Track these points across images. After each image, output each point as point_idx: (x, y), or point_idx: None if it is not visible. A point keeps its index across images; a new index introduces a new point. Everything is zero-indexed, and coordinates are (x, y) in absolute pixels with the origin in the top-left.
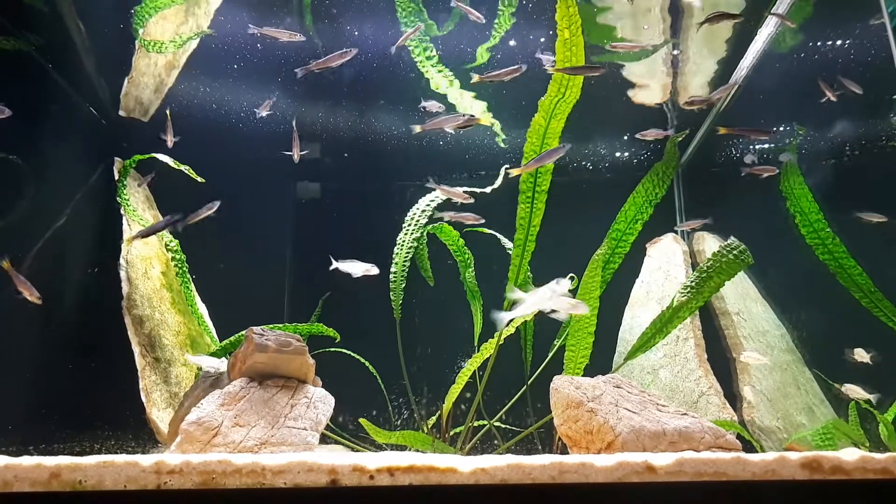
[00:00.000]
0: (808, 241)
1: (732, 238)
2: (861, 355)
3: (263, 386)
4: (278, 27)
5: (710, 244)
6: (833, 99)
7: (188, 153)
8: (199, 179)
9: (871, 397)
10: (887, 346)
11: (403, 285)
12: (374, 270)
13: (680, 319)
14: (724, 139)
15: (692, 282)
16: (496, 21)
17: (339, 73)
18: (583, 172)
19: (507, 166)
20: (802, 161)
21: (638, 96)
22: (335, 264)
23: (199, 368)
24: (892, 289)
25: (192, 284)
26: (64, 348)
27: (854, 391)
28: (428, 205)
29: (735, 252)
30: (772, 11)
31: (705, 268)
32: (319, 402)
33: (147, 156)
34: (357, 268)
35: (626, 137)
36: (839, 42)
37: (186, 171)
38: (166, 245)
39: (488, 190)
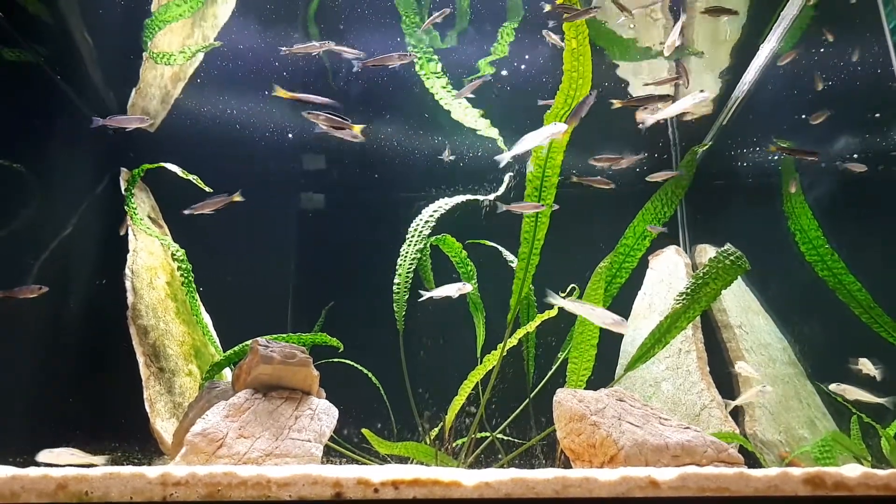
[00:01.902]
0: (807, 258)
1: (728, 245)
2: (866, 366)
3: (268, 397)
4: (284, 41)
5: (711, 256)
6: (816, 121)
7: (193, 164)
8: (207, 189)
9: (884, 401)
10: (889, 360)
11: (407, 297)
12: (467, 288)
13: (678, 329)
14: (727, 152)
15: (688, 288)
16: (499, 34)
17: (346, 86)
18: (586, 186)
19: (511, 173)
20: (803, 176)
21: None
22: (426, 295)
23: (203, 379)
24: (893, 304)
25: (197, 294)
26: (69, 358)
27: (856, 393)
28: (431, 215)
29: (731, 258)
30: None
31: (701, 274)
32: (323, 413)
33: (156, 165)
34: (451, 289)
35: (628, 150)
36: (841, 55)
37: (194, 181)
38: (172, 255)
39: (492, 197)
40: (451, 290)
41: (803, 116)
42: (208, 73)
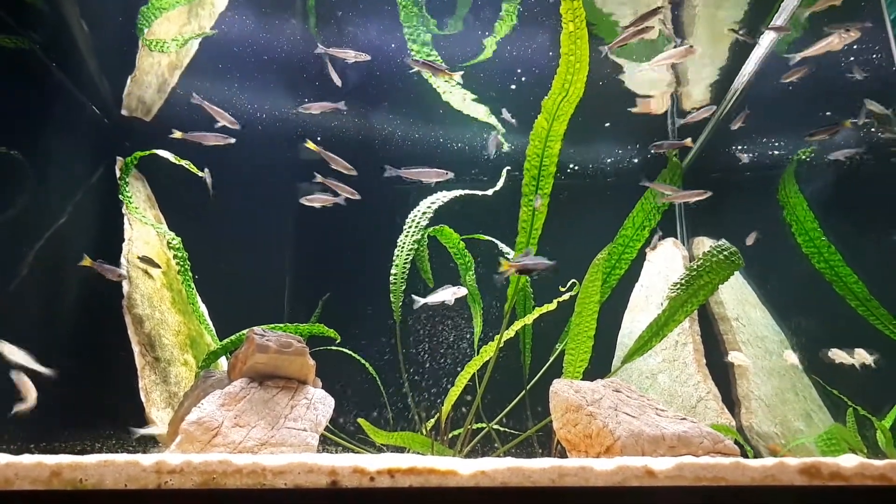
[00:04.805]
0: (804, 249)
1: (723, 240)
2: (862, 356)
3: (264, 386)
4: (282, 29)
5: (706, 250)
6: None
7: (191, 153)
8: (200, 174)
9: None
10: (885, 353)
11: (403, 287)
12: (462, 291)
13: (676, 322)
14: (725, 145)
15: (682, 279)
16: (499, 20)
17: (343, 76)
18: (584, 177)
19: (508, 167)
20: (801, 169)
21: (639, 103)
22: (420, 301)
23: (199, 368)
24: (889, 296)
25: (193, 283)
26: (64, 347)
27: (842, 356)
28: (429, 207)
29: (725, 253)
30: (770, 26)
31: (695, 266)
32: (319, 403)
33: (148, 152)
34: (446, 294)
35: (626, 143)
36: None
37: (187, 167)
38: (168, 243)
39: (490, 192)
40: (447, 294)
41: (801, 108)
42: (205, 61)
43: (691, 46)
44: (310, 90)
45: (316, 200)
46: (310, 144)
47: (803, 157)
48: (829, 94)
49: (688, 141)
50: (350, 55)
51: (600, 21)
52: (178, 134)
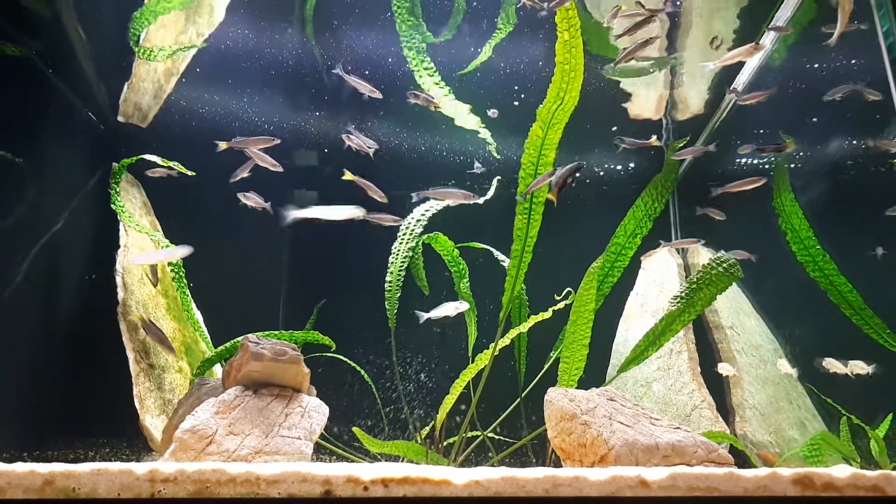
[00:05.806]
0: (798, 258)
1: (723, 252)
2: (858, 366)
3: (258, 394)
4: (281, 39)
5: (704, 258)
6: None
7: (185, 160)
8: (190, 173)
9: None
10: (879, 362)
11: (398, 294)
12: (463, 306)
13: (673, 332)
14: (720, 153)
15: (682, 292)
16: (496, 29)
17: (339, 84)
18: (580, 185)
19: (499, 177)
20: (796, 177)
21: (634, 109)
22: (425, 316)
23: (194, 375)
24: (883, 306)
25: (188, 290)
26: (59, 354)
27: (836, 366)
28: (423, 214)
29: (724, 266)
30: (769, 26)
31: (695, 279)
32: (314, 411)
33: (136, 158)
34: (448, 308)
35: (622, 150)
36: (836, 60)
37: (176, 167)
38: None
39: (481, 201)
40: (449, 309)
41: (797, 116)
42: (202, 68)
43: (757, 44)
44: (307, 97)
45: (250, 199)
46: (348, 175)
47: (783, 165)
48: (823, 100)
49: (653, 140)
50: (365, 88)
51: (592, 32)
52: (223, 144)
